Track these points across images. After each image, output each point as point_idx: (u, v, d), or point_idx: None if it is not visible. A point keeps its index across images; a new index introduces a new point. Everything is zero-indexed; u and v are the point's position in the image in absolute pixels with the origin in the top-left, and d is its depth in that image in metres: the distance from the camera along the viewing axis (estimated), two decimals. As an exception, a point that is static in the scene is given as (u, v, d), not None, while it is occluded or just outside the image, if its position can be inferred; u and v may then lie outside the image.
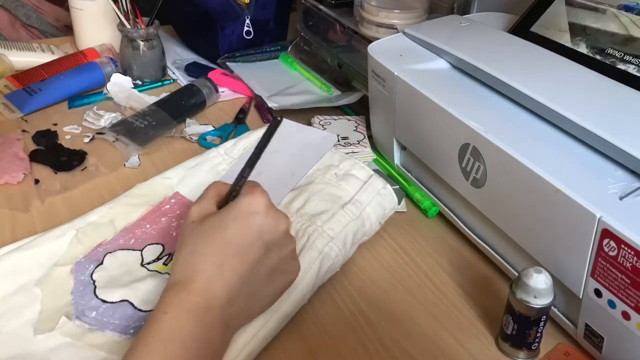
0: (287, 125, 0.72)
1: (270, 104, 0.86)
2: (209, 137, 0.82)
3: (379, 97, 0.70)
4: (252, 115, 0.89)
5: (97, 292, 0.52)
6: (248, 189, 0.47)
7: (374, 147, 0.77)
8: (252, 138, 0.70)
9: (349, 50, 0.87)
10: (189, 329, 0.41)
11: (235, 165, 0.67)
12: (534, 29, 0.64)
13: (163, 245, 0.58)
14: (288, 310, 0.51)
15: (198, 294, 0.43)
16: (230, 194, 0.48)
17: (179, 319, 0.41)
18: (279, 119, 0.49)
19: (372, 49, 0.69)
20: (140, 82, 0.95)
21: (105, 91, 0.91)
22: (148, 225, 0.60)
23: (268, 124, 0.50)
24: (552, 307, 0.51)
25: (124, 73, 0.95)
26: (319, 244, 0.55)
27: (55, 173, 0.73)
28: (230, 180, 0.49)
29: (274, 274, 0.47)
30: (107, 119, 0.84)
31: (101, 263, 0.55)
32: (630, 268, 0.42)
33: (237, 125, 0.85)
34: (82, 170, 0.74)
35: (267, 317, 0.49)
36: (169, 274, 0.51)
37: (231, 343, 0.47)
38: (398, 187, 0.71)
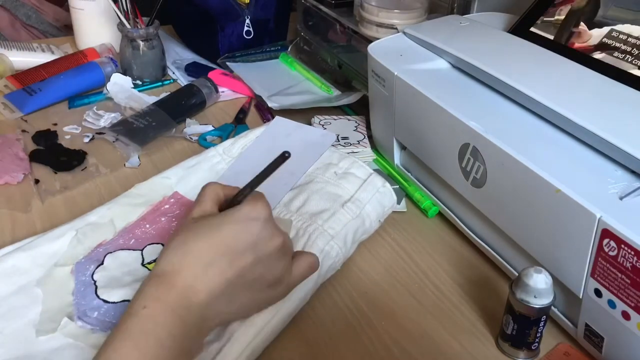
0: (285, 124, 0.72)
1: (270, 104, 0.86)
2: (209, 137, 0.82)
3: (379, 97, 0.70)
4: (252, 115, 0.89)
5: (99, 292, 0.52)
6: (252, 197, 0.47)
7: (374, 147, 0.77)
8: (250, 137, 0.70)
9: (349, 50, 0.87)
10: (167, 327, 0.40)
11: (234, 165, 0.67)
12: (533, 29, 0.64)
13: (163, 245, 0.58)
14: (291, 309, 0.51)
15: (180, 291, 0.42)
16: (233, 200, 0.48)
17: (158, 316, 0.41)
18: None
19: (372, 49, 0.69)
20: (140, 82, 0.95)
21: (105, 91, 0.91)
22: (148, 225, 0.60)
23: (276, 158, 0.49)
24: (552, 307, 0.51)
25: (124, 73, 0.95)
26: (320, 243, 0.55)
27: (55, 173, 0.73)
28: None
29: (258, 285, 0.46)
30: (107, 119, 0.84)
31: (102, 263, 0.55)
32: (630, 268, 0.42)
33: (237, 125, 0.85)
34: (82, 170, 0.74)
35: (269, 315, 0.49)
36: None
37: (233, 341, 0.47)
38: (398, 187, 0.71)
